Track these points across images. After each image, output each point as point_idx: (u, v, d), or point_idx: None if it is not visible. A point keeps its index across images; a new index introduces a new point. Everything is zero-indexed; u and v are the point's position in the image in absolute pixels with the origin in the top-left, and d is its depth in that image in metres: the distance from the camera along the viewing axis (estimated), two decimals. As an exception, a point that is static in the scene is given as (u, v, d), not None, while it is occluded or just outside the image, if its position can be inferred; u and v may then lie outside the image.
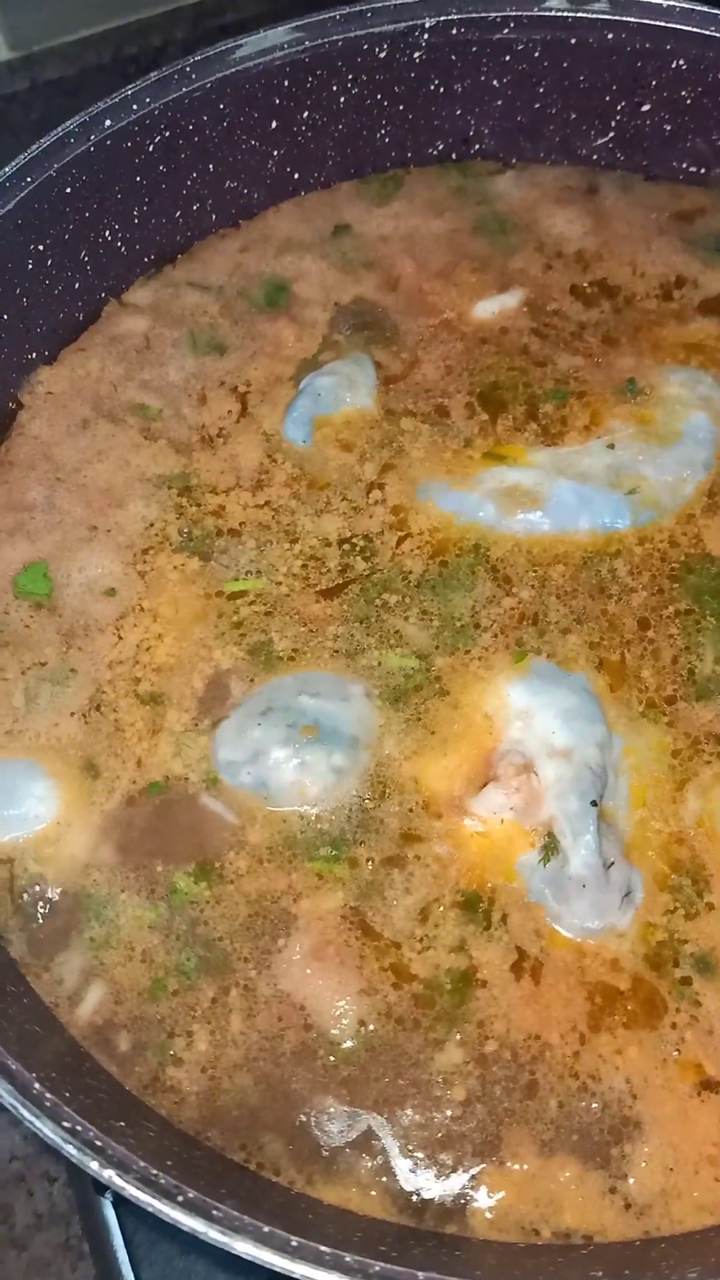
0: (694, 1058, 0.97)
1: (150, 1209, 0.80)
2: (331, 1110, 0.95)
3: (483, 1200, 0.92)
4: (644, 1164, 0.93)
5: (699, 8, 1.35)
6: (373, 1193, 0.93)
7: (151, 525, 1.21)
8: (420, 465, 1.25)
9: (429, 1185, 0.93)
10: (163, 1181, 0.81)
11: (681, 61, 1.38)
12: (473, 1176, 0.93)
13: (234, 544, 1.19)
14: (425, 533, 1.20)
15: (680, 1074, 0.96)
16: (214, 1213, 0.80)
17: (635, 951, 1.00)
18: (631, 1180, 0.93)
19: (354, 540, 1.20)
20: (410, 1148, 0.94)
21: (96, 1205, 1.15)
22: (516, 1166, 0.93)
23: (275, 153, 1.43)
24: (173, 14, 2.00)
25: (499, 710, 1.10)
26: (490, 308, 1.36)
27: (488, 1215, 0.92)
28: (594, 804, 1.02)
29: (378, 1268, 0.78)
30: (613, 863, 1.02)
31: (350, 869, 1.03)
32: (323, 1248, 0.79)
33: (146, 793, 1.07)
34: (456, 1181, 0.93)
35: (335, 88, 1.40)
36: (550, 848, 1.03)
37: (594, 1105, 0.95)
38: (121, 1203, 1.10)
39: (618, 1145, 0.94)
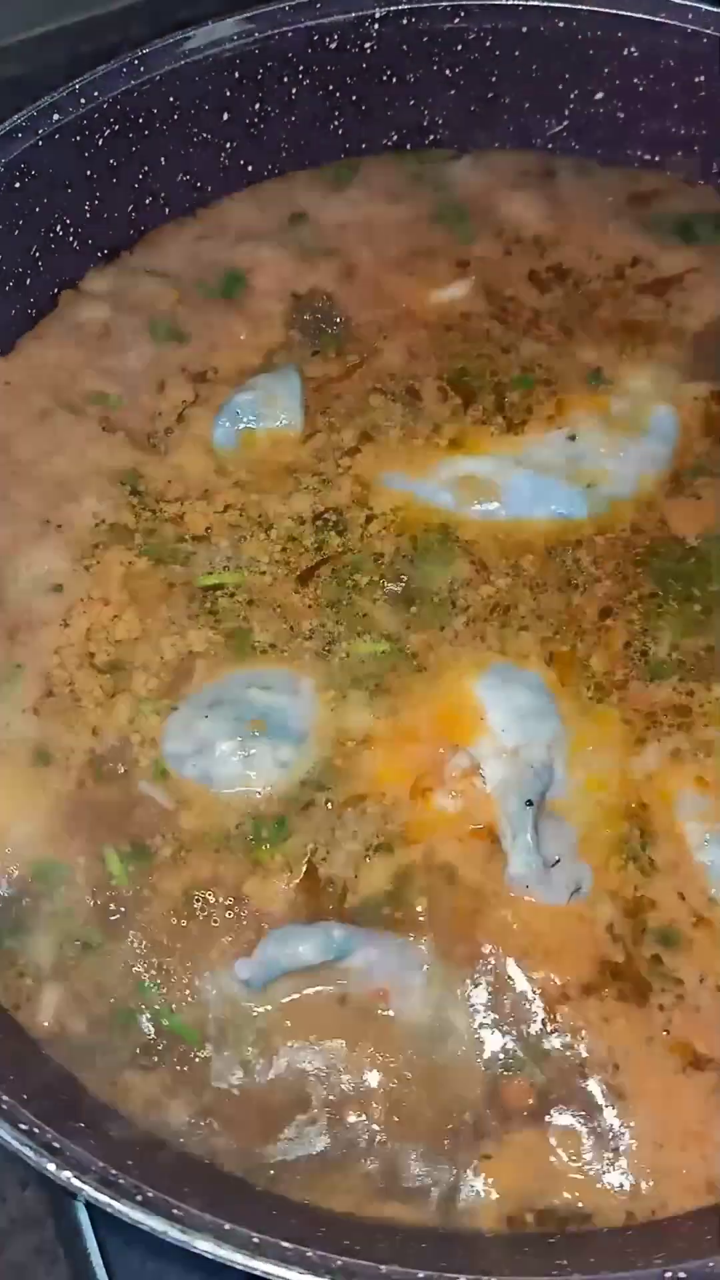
0: (682, 1037, 0.96)
1: (110, 1210, 0.79)
2: (296, 1103, 0.94)
3: (458, 1189, 0.92)
4: (634, 1141, 0.93)
5: (648, -6, 1.35)
6: (338, 1187, 0.92)
7: (103, 521, 1.20)
8: (387, 450, 1.24)
9: (392, 1177, 0.92)
10: (122, 1182, 0.80)
11: (633, 49, 1.38)
12: (448, 1165, 0.92)
13: (204, 546, 1.18)
14: (389, 512, 1.20)
15: (667, 1052, 0.96)
16: (174, 1211, 0.79)
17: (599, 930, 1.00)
18: (623, 1158, 0.92)
19: (326, 515, 1.20)
20: (377, 1141, 0.93)
21: (69, 1209, 1.14)
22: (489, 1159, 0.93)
23: (228, 144, 1.42)
24: (129, 10, 1.99)
25: (464, 701, 1.10)
26: (449, 294, 1.36)
27: (460, 1203, 0.91)
28: (529, 804, 1.01)
29: (340, 1262, 0.77)
30: (558, 860, 1.01)
31: (290, 858, 1.02)
32: (285, 1243, 0.78)
33: (94, 772, 1.06)
34: (426, 1171, 0.92)
35: (287, 79, 1.39)
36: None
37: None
38: (94, 1206, 1.08)
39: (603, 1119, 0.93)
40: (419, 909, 1.00)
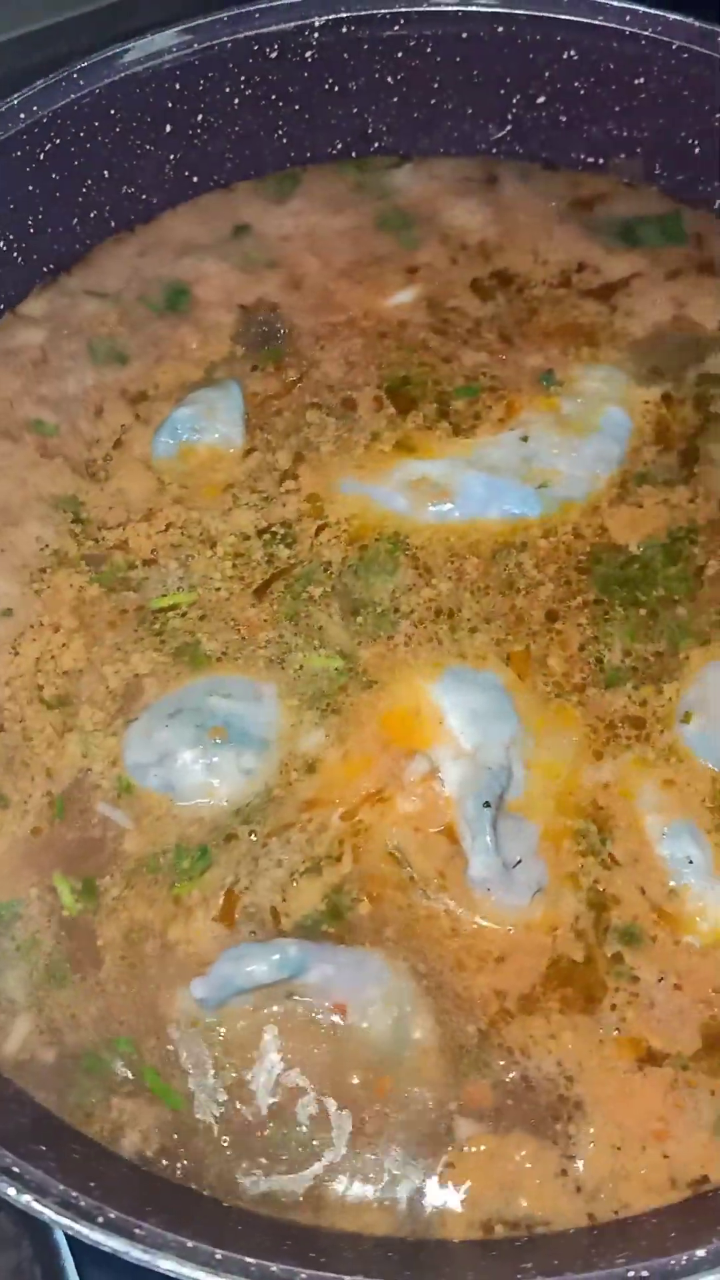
0: (635, 1033, 0.97)
1: (71, 1232, 0.79)
2: (259, 1119, 0.94)
3: (423, 1198, 0.92)
4: (591, 1145, 0.93)
5: (586, -2, 1.36)
6: (304, 1201, 0.92)
7: (47, 546, 1.19)
8: (331, 458, 1.24)
9: (357, 1189, 0.92)
10: (83, 1204, 0.80)
11: (573, 52, 1.38)
12: (412, 1174, 0.93)
13: (154, 570, 1.18)
14: (342, 521, 1.20)
15: (619, 1052, 0.96)
16: (136, 1231, 0.79)
17: (563, 932, 1.01)
18: (580, 1163, 0.93)
19: (273, 529, 1.20)
20: (341, 1153, 0.93)
21: (46, 1230, 1.13)
22: (449, 1167, 0.93)
23: (171, 156, 1.41)
24: (78, 20, 1.98)
25: (421, 706, 1.10)
26: (397, 301, 1.36)
27: (426, 1212, 0.91)
28: (487, 805, 1.01)
29: (304, 1275, 0.77)
30: (519, 861, 1.01)
31: (252, 869, 1.02)
32: (248, 1259, 0.78)
33: (54, 812, 1.06)
34: (390, 1181, 0.92)
35: (228, 89, 1.39)
36: None
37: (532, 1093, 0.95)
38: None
39: (561, 1123, 0.94)
40: (372, 922, 1.00)
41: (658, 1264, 0.78)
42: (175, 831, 1.04)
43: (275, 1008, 0.97)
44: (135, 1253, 0.77)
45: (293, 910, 1.00)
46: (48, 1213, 0.79)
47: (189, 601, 1.16)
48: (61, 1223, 0.79)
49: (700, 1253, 0.79)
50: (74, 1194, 0.80)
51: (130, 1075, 0.96)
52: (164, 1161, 0.93)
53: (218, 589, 1.17)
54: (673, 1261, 0.78)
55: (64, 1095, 0.96)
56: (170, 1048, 0.96)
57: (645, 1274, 0.78)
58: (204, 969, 0.97)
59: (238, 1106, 0.95)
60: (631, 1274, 0.78)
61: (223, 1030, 0.96)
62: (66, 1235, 1.11)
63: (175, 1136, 0.94)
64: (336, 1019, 0.96)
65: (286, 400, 1.29)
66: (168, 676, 1.12)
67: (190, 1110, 0.94)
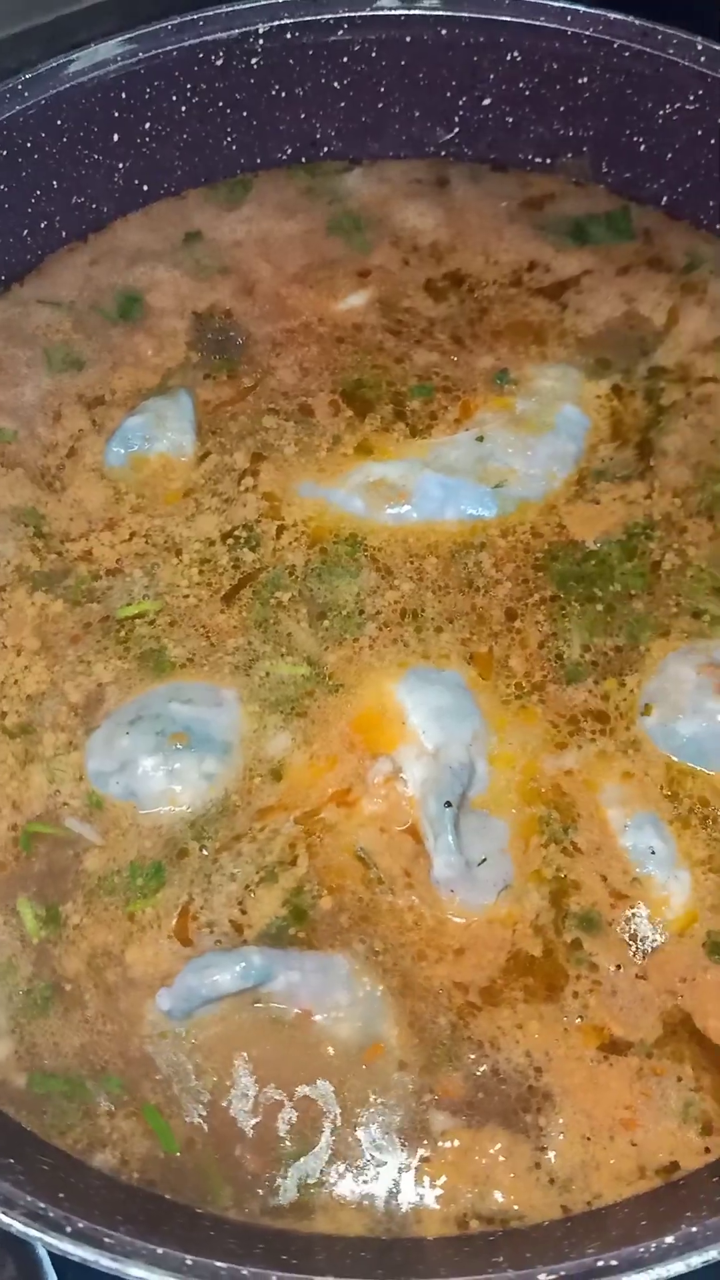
0: (598, 1021, 0.97)
1: (40, 1243, 0.79)
2: (231, 1126, 0.94)
3: (398, 1196, 0.92)
4: (561, 1136, 0.94)
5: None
6: (277, 1205, 0.92)
7: (9, 562, 1.19)
8: (295, 459, 1.25)
9: (330, 1189, 0.93)
10: (51, 1215, 0.80)
11: (516, 53, 1.39)
12: (386, 1173, 0.93)
13: (119, 579, 1.18)
14: (299, 523, 1.21)
15: (583, 1040, 0.97)
16: (105, 1240, 0.78)
17: (523, 925, 1.01)
18: (552, 1154, 0.93)
19: (236, 533, 1.20)
20: (314, 1154, 0.93)
21: (29, 1247, 1.13)
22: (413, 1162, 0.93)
23: (120, 165, 1.42)
24: (24, 35, 1.97)
25: (386, 707, 1.11)
26: (349, 304, 1.37)
27: (401, 1210, 0.92)
28: (448, 805, 1.02)
29: (275, 1277, 0.77)
30: (484, 859, 1.02)
31: (205, 886, 1.02)
32: (219, 1264, 0.78)
33: (19, 848, 1.06)
34: (365, 1180, 0.93)
35: (175, 97, 1.39)
36: None
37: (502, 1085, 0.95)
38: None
39: (531, 1115, 0.94)
40: (334, 916, 1.01)
41: (626, 1253, 0.79)
42: (135, 846, 1.04)
43: (243, 1015, 0.97)
44: (105, 1261, 0.77)
45: (254, 920, 1.01)
46: (15, 1224, 0.78)
47: (155, 609, 1.16)
48: (30, 1234, 0.78)
49: (669, 1240, 0.79)
50: (42, 1205, 0.79)
51: (112, 1107, 0.95)
52: (136, 1173, 0.93)
53: (185, 596, 1.17)
54: (641, 1249, 0.79)
55: (38, 1115, 0.95)
56: (140, 1056, 0.96)
57: (614, 1263, 0.79)
58: (169, 980, 0.97)
59: (211, 1114, 0.95)
60: (601, 1264, 0.79)
61: (193, 1040, 0.97)
62: (50, 1253, 1.12)
63: (144, 1146, 0.94)
64: (305, 1023, 0.96)
65: (241, 406, 1.29)
66: (130, 683, 1.12)
67: (162, 1118, 0.94)
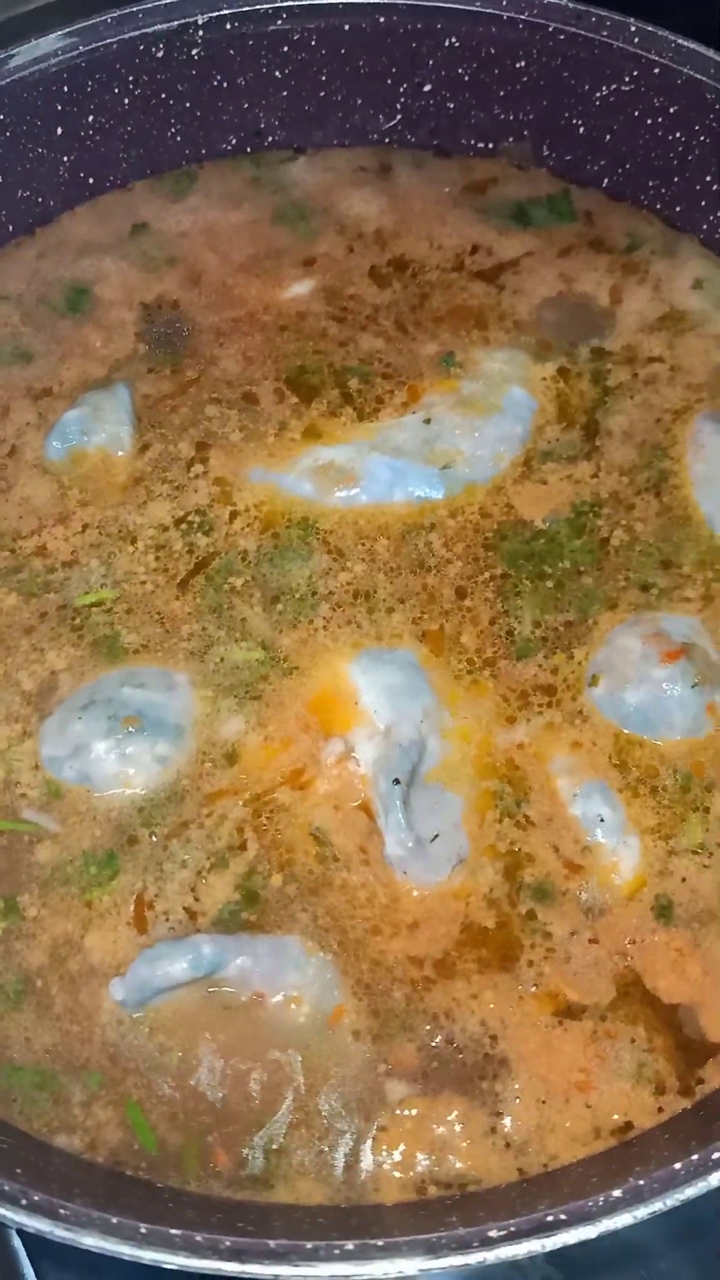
0: (553, 987, 0.99)
1: (-2, 1219, 0.80)
2: (189, 1102, 0.95)
3: (356, 1164, 0.93)
4: (517, 1101, 0.95)
5: (462, -16, 1.38)
6: (236, 1176, 0.93)
7: None
8: (243, 445, 1.26)
9: (289, 1159, 0.94)
10: (6, 1188, 0.80)
11: (454, 39, 1.41)
12: (343, 1142, 0.94)
13: (75, 570, 1.19)
14: (252, 508, 1.22)
15: (538, 1007, 0.98)
16: (61, 1211, 0.79)
17: (476, 899, 1.03)
18: (508, 1119, 0.95)
19: (189, 518, 1.21)
20: (272, 1126, 0.95)
21: (4, 1237, 1.14)
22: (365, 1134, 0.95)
23: (65, 158, 1.42)
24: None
25: (340, 688, 1.12)
26: (295, 292, 1.38)
27: (360, 1177, 0.93)
28: (397, 782, 1.03)
29: (228, 1243, 0.78)
30: (437, 835, 1.03)
31: (159, 874, 1.03)
32: (173, 1230, 0.79)
33: None
34: (323, 1150, 0.94)
35: (117, 90, 1.40)
36: None
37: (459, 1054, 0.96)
38: (26, 1234, 1.08)
39: (487, 1081, 0.96)
40: (286, 896, 1.02)
41: (574, 1206, 0.80)
42: (88, 835, 1.05)
43: (198, 1001, 0.98)
44: (59, 1232, 0.78)
45: (207, 907, 1.02)
46: (-31, 1201, 0.79)
47: (113, 597, 1.17)
48: (-16, 1209, 0.79)
49: (616, 1193, 0.81)
50: (-1, 1179, 0.80)
51: (86, 1099, 0.96)
52: (94, 1145, 0.94)
53: (143, 582, 1.18)
54: (589, 1203, 0.80)
55: (7, 1103, 0.96)
56: (97, 1037, 0.97)
57: (564, 1217, 0.80)
58: (123, 969, 0.98)
59: (174, 1093, 0.96)
60: (550, 1218, 0.80)
61: (150, 1025, 0.98)
62: (22, 1241, 1.12)
63: (102, 1123, 0.95)
64: (260, 1005, 0.98)
65: (183, 399, 1.30)
66: (82, 670, 1.12)
67: (119, 1096, 0.96)
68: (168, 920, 1.01)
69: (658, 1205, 0.79)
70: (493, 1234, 0.79)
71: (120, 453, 1.25)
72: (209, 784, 1.07)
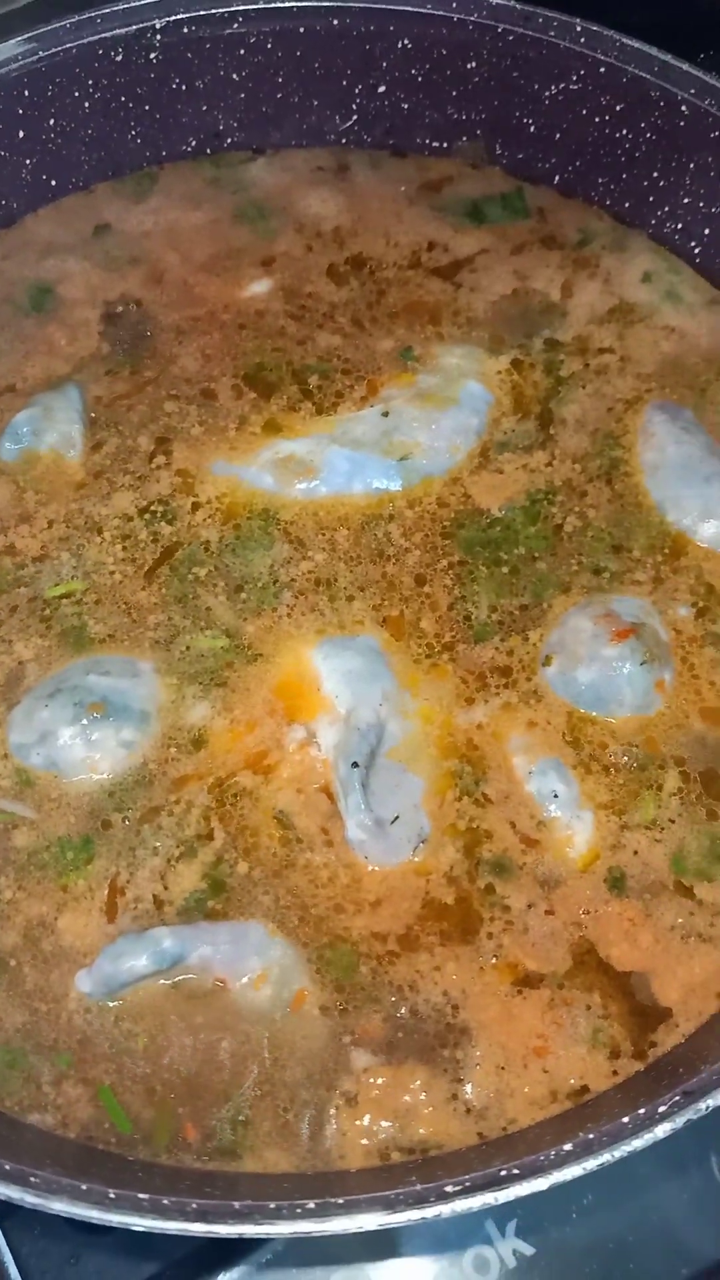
0: (512, 958, 1.02)
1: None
2: (157, 1078, 0.98)
3: (322, 1132, 0.96)
4: (478, 1067, 0.98)
5: (413, -13, 1.41)
6: (205, 1147, 0.96)
7: None
8: (205, 438, 1.28)
9: (256, 1130, 0.96)
10: (-23, 1158, 0.83)
11: (406, 41, 1.44)
12: (308, 1112, 0.97)
13: (46, 564, 1.21)
14: (214, 500, 1.25)
15: (499, 977, 1.01)
16: (31, 1179, 0.82)
17: (437, 876, 1.06)
18: (469, 1086, 0.97)
19: (153, 508, 1.24)
20: (240, 1098, 0.97)
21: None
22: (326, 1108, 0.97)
23: (27, 161, 1.44)
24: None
25: (303, 674, 1.15)
26: (254, 290, 1.40)
27: (325, 1144, 0.96)
28: (355, 765, 1.06)
29: (194, 1205, 0.81)
30: (397, 816, 1.06)
31: (131, 860, 1.06)
32: (140, 1195, 0.81)
33: None
34: (289, 1120, 0.97)
35: (77, 93, 1.42)
36: None
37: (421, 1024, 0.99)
38: (5, 1216, 1.10)
39: (449, 1049, 0.98)
40: (250, 882, 1.05)
41: (527, 1161, 0.83)
42: (63, 822, 1.07)
43: (163, 989, 1.00)
44: (29, 1198, 0.80)
45: (174, 896, 1.04)
46: (-59, 1171, 0.82)
47: (82, 588, 1.19)
48: (-45, 1179, 0.81)
49: (566, 1147, 0.84)
50: (-31, 1151, 0.83)
51: (55, 1078, 0.98)
52: (70, 1129, 0.96)
53: (112, 572, 1.20)
54: (540, 1157, 0.83)
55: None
56: (66, 1023, 1.00)
57: (516, 1171, 0.83)
58: (91, 959, 1.01)
59: (134, 1068, 0.98)
60: (504, 1173, 0.83)
61: (115, 1015, 1.00)
62: (1, 1226, 1.14)
63: (76, 1101, 0.97)
64: (222, 991, 1.00)
65: (139, 397, 1.32)
66: (49, 659, 1.15)
67: (92, 1076, 0.98)
68: (135, 909, 1.03)
69: (605, 1157, 0.82)
70: (448, 1189, 0.82)
71: (72, 452, 1.28)
72: (175, 769, 1.09)
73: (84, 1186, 0.81)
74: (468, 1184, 0.82)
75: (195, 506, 1.24)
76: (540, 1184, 0.81)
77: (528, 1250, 1.10)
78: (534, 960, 1.02)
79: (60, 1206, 0.80)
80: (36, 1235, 1.12)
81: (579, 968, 1.02)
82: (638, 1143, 0.82)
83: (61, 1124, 0.96)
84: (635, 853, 1.07)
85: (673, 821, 1.08)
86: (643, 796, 1.09)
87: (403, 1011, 1.00)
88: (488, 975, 1.01)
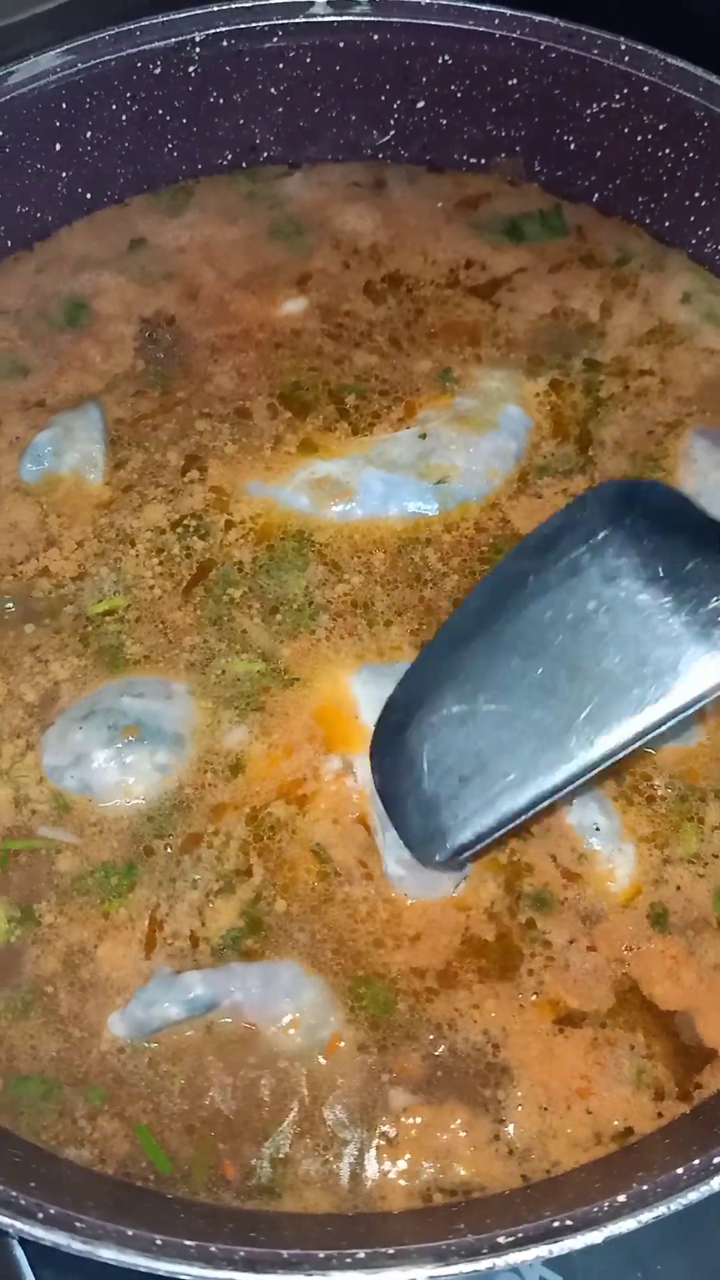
0: (553, 995, 1.00)
1: (12, 1231, 0.81)
2: (195, 1116, 0.97)
3: (362, 1173, 0.95)
4: (520, 1108, 0.97)
5: (455, 3, 1.39)
6: (245, 1187, 0.94)
7: None
8: (240, 456, 1.27)
9: (295, 1170, 0.95)
10: (22, 1202, 0.82)
11: (446, 56, 1.43)
12: (349, 1152, 0.96)
13: (88, 581, 1.20)
14: (248, 520, 1.23)
15: (539, 1015, 1.00)
16: (77, 1225, 0.81)
17: (477, 911, 1.04)
18: (511, 1126, 0.96)
19: (185, 522, 1.23)
20: (279, 1138, 0.96)
21: (6, 1248, 1.14)
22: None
23: (63, 174, 1.43)
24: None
25: (340, 701, 1.13)
26: (290, 309, 1.39)
27: (366, 1186, 0.94)
28: None
29: (243, 1253, 0.80)
30: None
31: (171, 892, 1.04)
32: (188, 1242, 0.80)
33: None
34: (329, 1160, 0.95)
35: (115, 106, 1.41)
36: None
37: (461, 1063, 0.98)
38: (28, 1243, 1.09)
39: (490, 1089, 0.97)
40: (288, 920, 1.03)
41: (581, 1212, 0.82)
42: (106, 846, 1.06)
43: (196, 1032, 0.99)
44: (76, 1245, 0.79)
45: (211, 934, 1.03)
46: (-12, 1213, 0.80)
47: (125, 604, 1.18)
48: (2, 1221, 0.80)
49: (621, 1198, 0.82)
50: (13, 1193, 0.82)
51: (90, 1112, 0.97)
52: (105, 1159, 0.95)
53: (151, 587, 1.19)
54: (595, 1209, 0.82)
55: (14, 1115, 0.97)
56: (100, 1063, 0.99)
57: (570, 1223, 0.82)
58: (125, 996, 1.00)
59: (171, 1107, 0.97)
60: (557, 1224, 0.82)
61: (149, 1056, 0.99)
62: (24, 1251, 1.13)
63: (114, 1138, 0.96)
64: (254, 1034, 0.99)
65: (166, 416, 1.31)
66: (84, 680, 1.14)
67: (129, 1116, 0.97)
68: (172, 945, 1.02)
69: (661, 1210, 0.81)
70: (501, 1240, 0.81)
71: (93, 474, 1.26)
72: (212, 795, 1.08)
73: (130, 1233, 0.80)
74: (520, 1235, 0.80)
75: (229, 525, 1.23)
76: (595, 1237, 0.80)
77: (555, 1280, 1.10)
78: (576, 998, 1.01)
79: (109, 1255, 0.78)
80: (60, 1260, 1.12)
81: (621, 1006, 1.01)
82: (693, 1195, 0.81)
83: (99, 1159, 0.95)
84: (678, 888, 1.06)
85: (716, 856, 1.07)
86: (684, 829, 1.08)
87: (441, 1050, 0.99)
88: (528, 1013, 1.00)
